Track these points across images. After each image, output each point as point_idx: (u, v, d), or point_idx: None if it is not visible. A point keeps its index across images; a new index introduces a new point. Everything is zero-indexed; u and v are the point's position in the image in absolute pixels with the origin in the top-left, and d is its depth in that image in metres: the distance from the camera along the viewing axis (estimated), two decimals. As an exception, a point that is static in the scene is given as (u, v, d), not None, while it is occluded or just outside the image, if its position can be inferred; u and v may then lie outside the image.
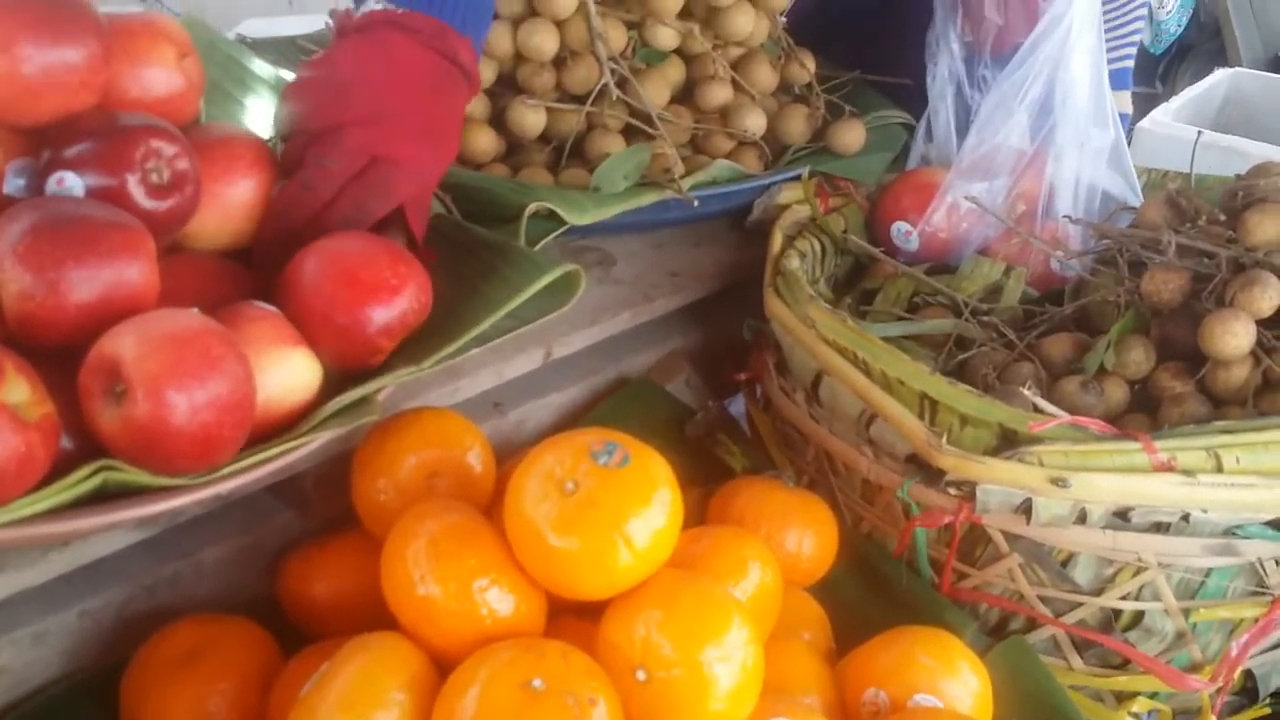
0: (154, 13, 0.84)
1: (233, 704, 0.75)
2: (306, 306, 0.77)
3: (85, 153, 0.73)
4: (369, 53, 0.85)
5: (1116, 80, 1.23)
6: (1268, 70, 3.01)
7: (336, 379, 0.79)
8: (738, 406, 1.15)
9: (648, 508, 0.68)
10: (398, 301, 0.79)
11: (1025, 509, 0.81)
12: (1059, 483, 0.79)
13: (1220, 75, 2.68)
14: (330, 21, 1.27)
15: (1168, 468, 0.80)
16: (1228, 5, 3.26)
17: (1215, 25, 3.47)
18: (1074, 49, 0.99)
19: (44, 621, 0.77)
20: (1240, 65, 3.02)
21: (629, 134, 1.12)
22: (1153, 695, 0.89)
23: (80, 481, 0.66)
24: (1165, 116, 2.30)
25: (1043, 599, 0.86)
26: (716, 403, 1.05)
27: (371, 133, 0.82)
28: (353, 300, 0.78)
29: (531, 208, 0.96)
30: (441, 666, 0.69)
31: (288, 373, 0.75)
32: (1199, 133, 1.20)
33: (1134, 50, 1.49)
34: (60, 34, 0.73)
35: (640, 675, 0.67)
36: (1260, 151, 1.99)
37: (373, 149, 0.82)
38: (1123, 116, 1.54)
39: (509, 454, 0.88)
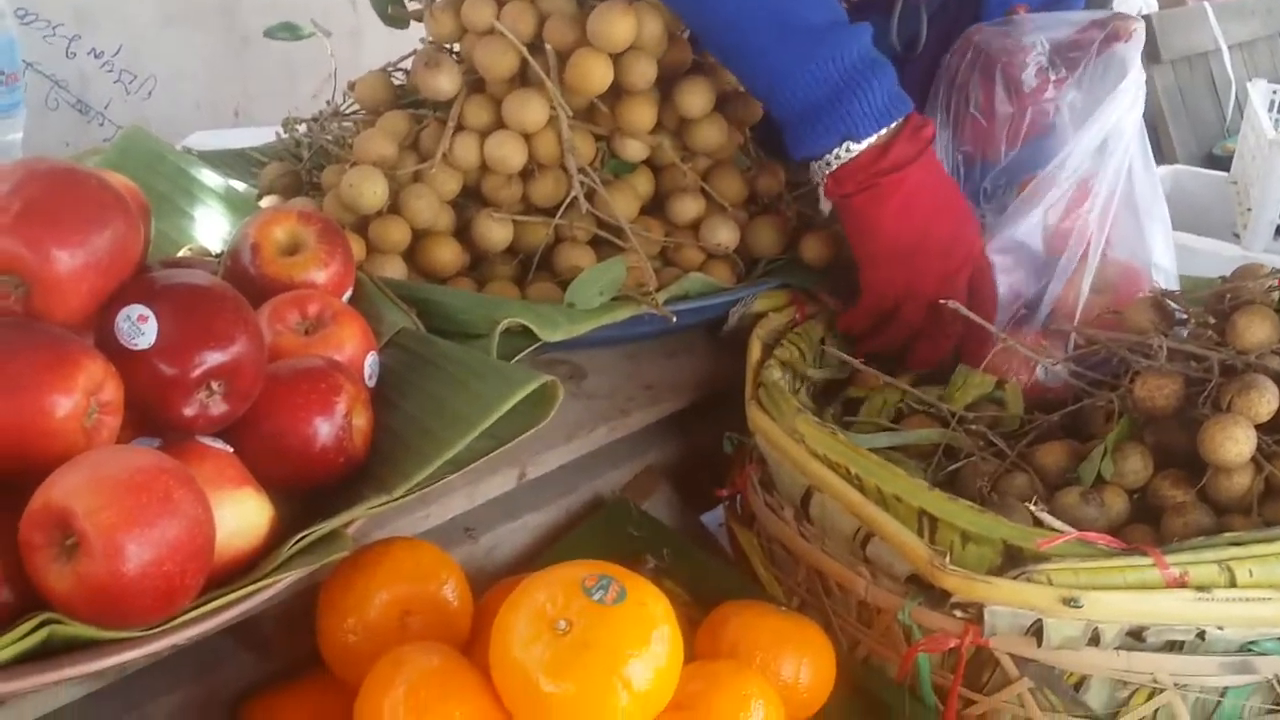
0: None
1: None
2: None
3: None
4: None
5: None
6: (1202, 166, 3.08)
7: (300, 514, 0.74)
8: (712, 518, 1.11)
9: (647, 647, 0.63)
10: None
11: (1036, 631, 0.77)
12: (1071, 602, 0.75)
13: (1162, 172, 2.73)
14: (281, 132, 1.24)
15: (1180, 583, 0.76)
16: (1161, 105, 3.34)
17: (1151, 123, 3.55)
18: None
19: (-26, 792, 0.70)
20: (1176, 162, 3.08)
21: (597, 245, 1.08)
22: (1174, 825, 0.84)
23: (22, 637, 0.60)
24: (1112, 215, 2.33)
25: (1055, 726, 0.81)
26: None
27: None
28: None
29: (504, 323, 0.92)
30: (424, 829, 0.63)
31: (239, 513, 0.70)
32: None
33: None
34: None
35: (644, 833, 0.61)
36: (1208, 248, 2.02)
37: None
38: None
39: (482, 583, 0.83)
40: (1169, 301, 0.96)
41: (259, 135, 1.32)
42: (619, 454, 1.04)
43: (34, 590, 0.62)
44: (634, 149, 1.09)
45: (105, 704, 0.75)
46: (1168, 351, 0.90)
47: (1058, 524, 0.79)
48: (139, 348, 0.70)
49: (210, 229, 1.04)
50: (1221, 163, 3.12)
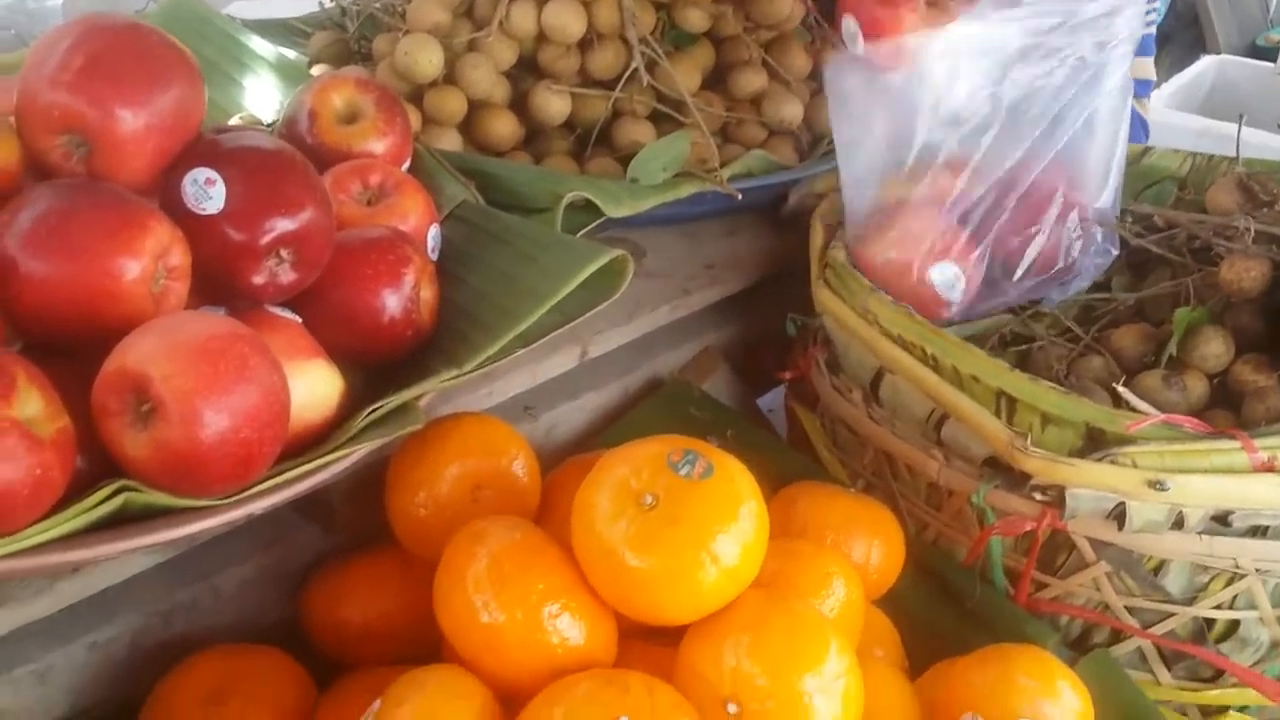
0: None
1: (266, 747, 0.68)
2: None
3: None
4: None
5: (1141, 47, 1.18)
6: (1245, 56, 3.00)
7: (368, 388, 0.73)
8: (767, 401, 1.09)
9: (735, 522, 0.62)
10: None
11: (1118, 515, 0.75)
12: (1157, 485, 0.73)
13: (1206, 62, 2.67)
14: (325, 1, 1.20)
15: (1269, 468, 0.74)
16: (1204, -4, 3.25)
17: (1193, 14, 3.45)
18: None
19: (49, 657, 0.69)
20: (1219, 52, 3.00)
21: (656, 121, 1.05)
22: (1243, 709, 0.83)
23: (98, 504, 0.59)
24: (1158, 103, 2.28)
25: (1130, 609, 0.80)
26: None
27: None
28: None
29: (569, 197, 0.89)
30: (505, 700, 0.62)
31: (311, 384, 0.68)
32: (1241, 117, 1.14)
33: (1157, 17, 1.45)
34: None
35: (731, 708, 0.60)
36: (1257, 139, 1.97)
37: None
38: (1146, 83, 1.50)
39: (541, 461, 0.81)
40: (1254, 183, 0.93)
41: (300, 5, 1.28)
42: (678, 335, 1.02)
43: (109, 458, 0.61)
44: (696, 19, 1.05)
45: (175, 575, 0.74)
46: (1254, 234, 0.87)
47: (1143, 406, 0.77)
48: (207, 212, 0.67)
49: (261, 97, 1.01)
50: (1265, 53, 3.04)
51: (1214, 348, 0.86)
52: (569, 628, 0.62)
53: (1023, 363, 0.91)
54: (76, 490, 0.60)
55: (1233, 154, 1.04)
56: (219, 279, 0.69)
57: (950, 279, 0.89)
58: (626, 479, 0.63)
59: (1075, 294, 0.96)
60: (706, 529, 0.61)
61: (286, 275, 0.70)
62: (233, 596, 0.76)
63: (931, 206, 0.90)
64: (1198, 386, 0.85)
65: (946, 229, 0.90)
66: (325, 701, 0.70)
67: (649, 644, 0.67)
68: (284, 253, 0.69)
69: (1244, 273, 0.85)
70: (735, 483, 0.63)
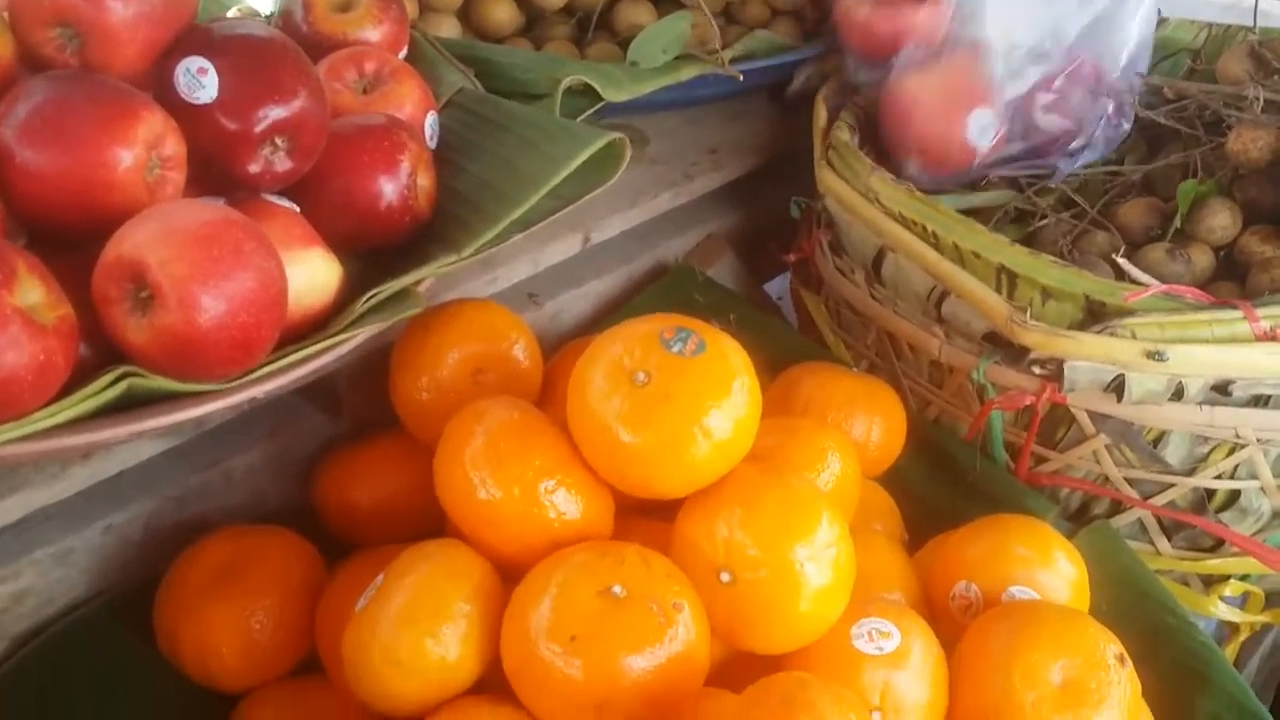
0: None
1: (278, 621, 0.70)
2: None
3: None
4: None
5: None
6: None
7: (368, 276, 0.73)
8: (775, 288, 1.09)
9: (727, 397, 0.62)
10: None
11: (1117, 386, 0.76)
12: (1156, 356, 0.73)
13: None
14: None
15: (1271, 337, 0.74)
16: None
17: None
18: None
19: (67, 539, 0.72)
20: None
21: (657, 3, 1.04)
22: (1243, 578, 0.84)
23: (102, 390, 0.60)
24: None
25: (1130, 481, 0.81)
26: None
27: None
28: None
29: (566, 81, 0.88)
30: (506, 574, 0.64)
31: (309, 271, 0.69)
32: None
33: None
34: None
35: (724, 577, 0.62)
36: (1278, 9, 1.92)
37: None
38: None
39: (546, 348, 0.82)
40: (1266, 51, 0.91)
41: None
42: (682, 220, 1.02)
43: (113, 346, 0.62)
44: (695, -104, 1.03)
45: (187, 460, 0.76)
46: (1264, 103, 0.85)
47: (1144, 277, 0.77)
48: (200, 102, 0.67)
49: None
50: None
51: (1220, 220, 0.85)
52: (565, 503, 0.63)
53: (1028, 239, 0.90)
54: (84, 378, 0.61)
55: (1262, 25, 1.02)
56: (216, 169, 0.69)
57: (985, 126, 0.89)
58: (620, 357, 0.64)
59: (1084, 167, 0.95)
60: (698, 404, 0.62)
61: (282, 164, 0.70)
62: (244, 481, 0.78)
63: (973, 54, 0.89)
64: (1202, 259, 0.84)
65: (986, 77, 0.88)
66: (334, 578, 0.72)
67: (647, 519, 0.69)
68: (279, 141, 0.69)
69: (1251, 142, 0.84)
70: (727, 359, 0.64)
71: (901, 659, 0.63)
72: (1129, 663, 0.64)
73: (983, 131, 0.89)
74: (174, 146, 0.66)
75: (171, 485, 0.75)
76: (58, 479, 0.69)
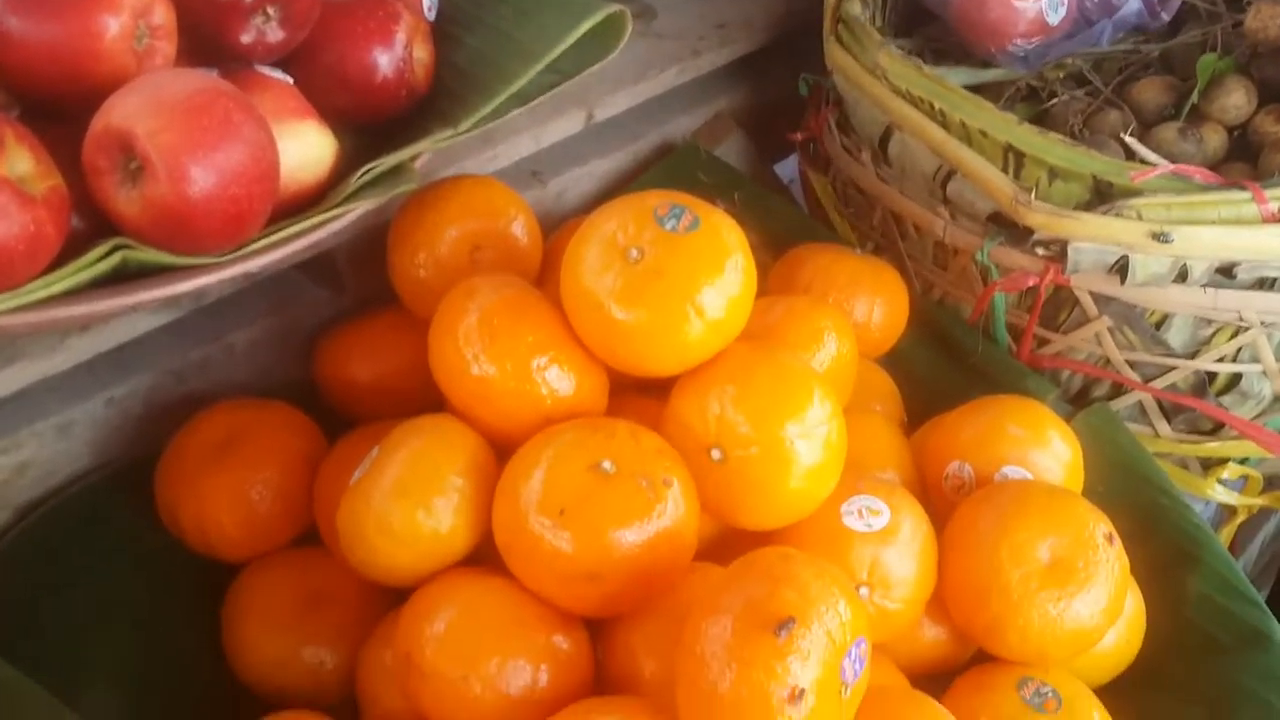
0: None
1: (276, 492, 0.71)
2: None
3: None
4: None
5: None
6: None
7: (365, 152, 0.72)
8: (787, 169, 1.08)
9: (721, 275, 0.62)
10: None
11: (1120, 268, 0.75)
12: (1160, 237, 0.72)
13: None
14: None
15: (1278, 219, 0.73)
16: None
17: None
18: None
19: (69, 411, 0.73)
20: None
21: None
22: (1242, 461, 0.84)
23: (95, 261, 0.60)
24: None
25: (1131, 364, 0.81)
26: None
27: None
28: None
29: (567, -50, 0.86)
30: (499, 449, 0.64)
31: (303, 145, 0.68)
32: None
33: None
34: None
35: (715, 454, 0.62)
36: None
37: None
38: None
39: (549, 227, 0.82)
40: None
41: None
42: (689, 98, 1.00)
43: (105, 218, 0.62)
44: None
45: (188, 334, 0.76)
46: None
47: (1152, 157, 0.75)
48: (187, -32, 0.66)
49: None
50: None
51: (1235, 99, 0.83)
52: (558, 379, 0.63)
53: (1038, 118, 0.88)
54: (78, 251, 0.61)
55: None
56: (207, 39, 0.68)
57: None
58: (613, 233, 0.63)
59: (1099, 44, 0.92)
60: (691, 282, 0.61)
61: (274, 34, 0.69)
62: (245, 356, 0.79)
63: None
64: (1215, 139, 0.83)
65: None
66: (334, 450, 0.73)
67: (642, 397, 0.69)
68: (270, 10, 0.68)
69: (1270, 20, 0.82)
70: (721, 236, 0.63)
71: (890, 536, 0.64)
72: (1118, 542, 0.64)
73: (1054, 5, 0.86)
74: (163, 15, 0.64)
75: (172, 359, 0.76)
76: (56, 351, 0.69)
